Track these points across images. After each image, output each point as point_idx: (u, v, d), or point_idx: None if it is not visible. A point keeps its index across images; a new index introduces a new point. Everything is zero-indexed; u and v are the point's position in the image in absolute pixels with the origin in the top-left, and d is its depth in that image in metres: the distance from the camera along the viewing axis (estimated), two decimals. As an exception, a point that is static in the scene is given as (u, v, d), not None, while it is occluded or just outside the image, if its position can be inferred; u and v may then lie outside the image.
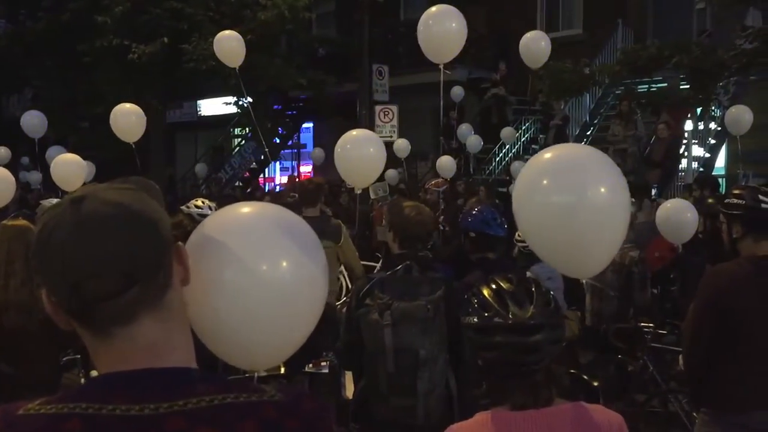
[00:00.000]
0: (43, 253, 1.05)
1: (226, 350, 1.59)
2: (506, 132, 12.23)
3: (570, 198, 2.51)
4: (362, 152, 5.47)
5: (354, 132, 5.62)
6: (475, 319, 1.77)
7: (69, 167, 8.02)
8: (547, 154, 2.67)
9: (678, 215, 5.69)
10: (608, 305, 5.82)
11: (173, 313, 1.12)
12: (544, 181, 2.58)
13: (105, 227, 1.04)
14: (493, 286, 1.80)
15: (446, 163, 10.38)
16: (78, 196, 1.07)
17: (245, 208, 1.62)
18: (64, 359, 3.91)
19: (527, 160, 10.92)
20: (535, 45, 8.10)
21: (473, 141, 12.79)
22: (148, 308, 1.08)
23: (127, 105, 7.82)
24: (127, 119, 7.74)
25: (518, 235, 5.18)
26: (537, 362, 1.70)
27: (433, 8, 5.85)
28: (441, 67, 5.82)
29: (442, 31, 5.74)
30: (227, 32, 8.37)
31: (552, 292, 1.86)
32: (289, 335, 1.65)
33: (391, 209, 3.53)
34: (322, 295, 1.66)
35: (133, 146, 7.59)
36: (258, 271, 1.51)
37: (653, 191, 9.90)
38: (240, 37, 8.24)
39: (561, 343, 1.78)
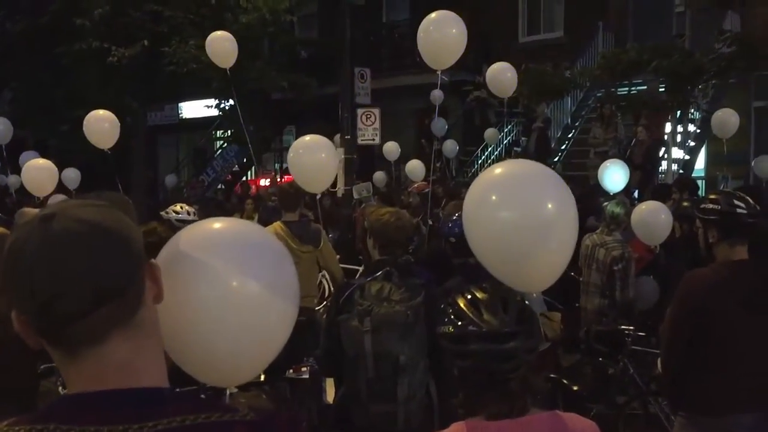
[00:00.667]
0: (12, 272, 1.03)
1: (196, 368, 1.58)
2: (489, 133, 12.29)
3: (515, 213, 2.57)
4: (314, 158, 5.45)
5: (307, 138, 5.59)
6: (450, 329, 1.78)
7: (40, 172, 7.88)
8: (497, 170, 2.75)
9: (652, 217, 5.76)
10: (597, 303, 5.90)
11: (145, 331, 1.10)
12: (492, 197, 2.64)
13: (75, 245, 1.03)
14: (468, 296, 1.81)
15: (415, 167, 10.44)
16: (48, 213, 1.06)
17: (216, 224, 1.61)
18: (42, 367, 3.87)
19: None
20: (503, 76, 8.90)
21: (449, 145, 12.78)
22: (119, 327, 1.06)
23: (101, 111, 7.64)
24: (100, 126, 7.56)
25: None
26: (512, 370, 1.71)
27: (434, 14, 5.85)
28: (439, 72, 5.84)
29: (443, 37, 5.71)
30: (219, 33, 8.32)
31: (527, 301, 1.88)
32: (259, 352, 1.64)
33: (370, 215, 3.53)
34: (293, 311, 1.65)
35: (108, 152, 7.46)
36: (228, 288, 1.51)
37: (634, 193, 9.97)
38: (232, 38, 8.19)
39: (536, 351, 1.80)
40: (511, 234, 2.56)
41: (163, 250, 1.46)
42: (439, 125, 12.76)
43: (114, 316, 1.05)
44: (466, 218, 2.74)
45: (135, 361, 1.08)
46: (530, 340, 1.76)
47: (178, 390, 1.15)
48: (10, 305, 1.06)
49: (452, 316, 1.80)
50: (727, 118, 9.04)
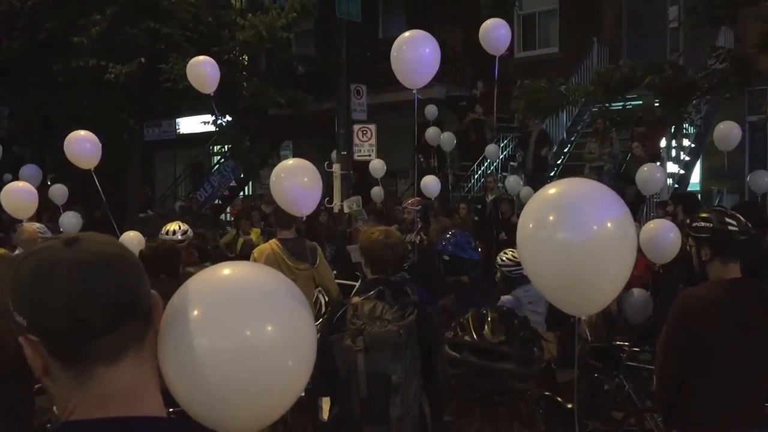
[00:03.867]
0: (44, 290, 1.06)
1: (206, 418, 1.53)
2: (490, 149, 12.39)
3: (574, 234, 2.42)
4: (297, 181, 5.26)
5: (289, 161, 5.48)
6: (450, 335, 1.84)
7: (19, 195, 7.60)
8: (551, 189, 2.60)
9: (661, 235, 5.73)
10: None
11: (149, 354, 1.17)
12: (550, 217, 2.48)
13: (106, 265, 1.10)
14: (482, 311, 1.84)
15: (430, 183, 10.34)
16: (72, 237, 1.13)
17: (226, 270, 1.54)
18: (37, 386, 3.86)
19: (505, 177, 10.95)
20: (496, 33, 8.22)
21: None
22: (133, 348, 1.12)
23: (82, 132, 7.38)
24: (81, 146, 7.29)
25: (501, 260, 5.21)
26: (499, 392, 1.71)
27: (407, 33, 5.83)
28: (414, 92, 5.80)
29: (416, 57, 5.69)
30: (200, 57, 8.20)
31: (532, 321, 1.90)
32: (272, 406, 1.57)
33: (361, 235, 3.55)
34: (309, 363, 1.61)
35: (93, 172, 7.30)
36: (241, 338, 1.44)
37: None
38: (213, 62, 8.09)
39: (530, 381, 1.79)
40: (571, 257, 2.41)
41: (174, 296, 1.43)
42: (446, 140, 12.83)
43: (132, 333, 1.12)
44: (521, 240, 2.59)
45: (139, 387, 1.13)
46: (524, 367, 1.75)
47: (174, 418, 1.19)
48: (20, 328, 1.08)
49: (457, 325, 1.85)
50: (729, 131, 9.04)
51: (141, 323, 1.14)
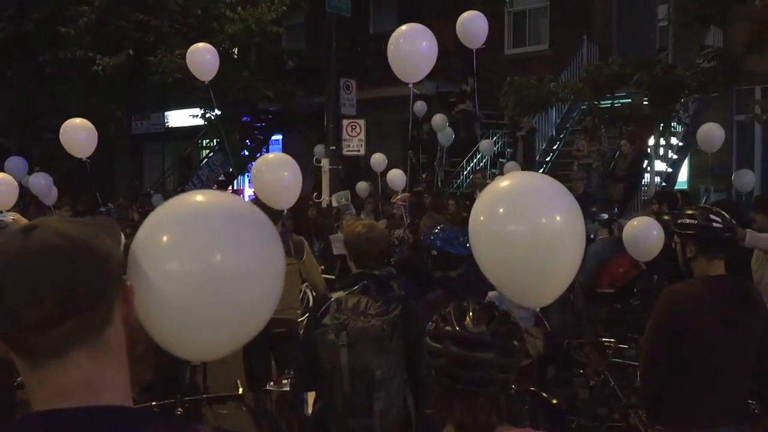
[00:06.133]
0: None
1: (175, 343, 1.55)
2: (484, 144, 12.43)
3: (523, 226, 2.50)
4: (277, 176, 5.27)
5: (270, 156, 5.54)
6: (432, 326, 1.85)
7: None
8: (503, 182, 2.68)
9: (644, 233, 5.77)
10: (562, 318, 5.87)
11: (110, 350, 1.11)
12: (500, 210, 2.57)
13: (48, 256, 1.04)
14: (463, 304, 1.85)
15: (396, 176, 10.49)
16: (31, 224, 1.09)
17: (198, 197, 1.58)
18: (19, 379, 3.83)
19: (494, 173, 10.95)
20: (473, 24, 7.97)
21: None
22: (83, 343, 1.07)
23: (77, 120, 7.46)
24: (77, 134, 7.38)
25: None
26: (479, 383, 1.71)
27: (404, 27, 5.80)
28: (411, 86, 5.79)
29: (413, 50, 5.67)
30: (200, 45, 8.25)
31: (517, 316, 1.91)
32: (240, 329, 1.62)
33: (345, 228, 3.54)
34: (277, 288, 1.63)
35: (87, 161, 7.34)
36: (210, 262, 1.47)
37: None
38: (214, 50, 8.13)
39: (512, 372, 1.79)
40: (520, 248, 2.49)
41: (145, 221, 1.43)
42: (445, 136, 12.85)
43: (78, 330, 1.05)
44: (473, 232, 2.67)
45: (98, 378, 1.08)
46: (505, 357, 1.76)
47: (143, 407, 1.15)
48: None
49: (440, 317, 1.85)
50: (712, 132, 9.12)
51: (93, 321, 1.06)
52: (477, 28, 7.84)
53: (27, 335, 1.03)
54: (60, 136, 7.34)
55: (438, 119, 13.01)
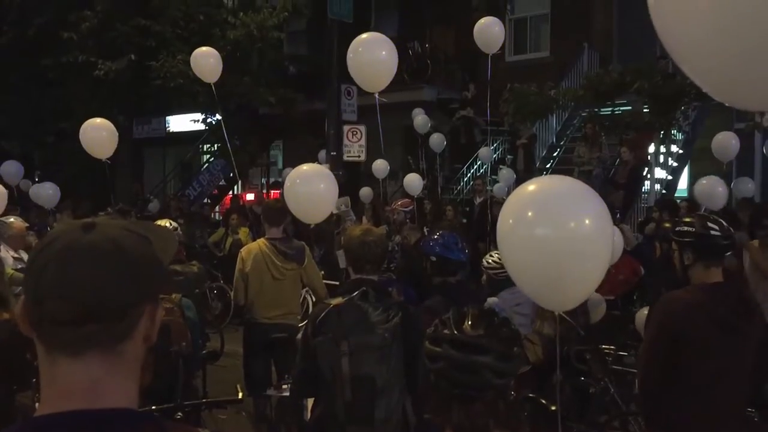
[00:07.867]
0: (32, 262, 1.09)
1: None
2: (483, 152, 12.44)
3: (551, 230, 2.50)
4: (312, 188, 5.14)
5: (305, 167, 5.33)
6: (431, 331, 1.86)
7: None
8: (530, 186, 2.66)
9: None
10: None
11: (125, 363, 1.11)
12: (529, 213, 2.56)
13: (91, 259, 1.06)
14: (463, 309, 1.86)
15: (413, 181, 10.38)
16: (90, 222, 1.11)
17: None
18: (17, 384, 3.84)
19: (494, 180, 10.96)
20: (490, 30, 8.35)
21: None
22: (98, 349, 1.08)
23: (98, 120, 7.37)
24: (98, 134, 7.28)
25: (486, 262, 5.21)
26: (476, 387, 1.72)
27: (364, 35, 5.74)
28: (376, 95, 5.71)
29: (372, 60, 5.56)
30: (204, 48, 8.31)
31: (516, 323, 1.92)
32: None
33: (344, 233, 3.55)
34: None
35: (107, 162, 7.24)
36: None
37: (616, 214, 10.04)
38: (217, 54, 8.18)
39: (509, 378, 1.80)
40: (548, 251, 2.49)
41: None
42: (436, 141, 12.83)
43: (95, 337, 1.07)
44: (501, 234, 2.64)
45: (106, 382, 1.09)
46: (503, 362, 1.76)
47: (144, 410, 1.16)
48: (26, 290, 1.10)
49: (439, 322, 1.86)
50: (728, 141, 9.09)
51: (111, 331, 1.08)
52: (494, 33, 8.19)
53: (47, 326, 1.06)
54: (80, 137, 7.21)
55: (419, 120, 12.95)
